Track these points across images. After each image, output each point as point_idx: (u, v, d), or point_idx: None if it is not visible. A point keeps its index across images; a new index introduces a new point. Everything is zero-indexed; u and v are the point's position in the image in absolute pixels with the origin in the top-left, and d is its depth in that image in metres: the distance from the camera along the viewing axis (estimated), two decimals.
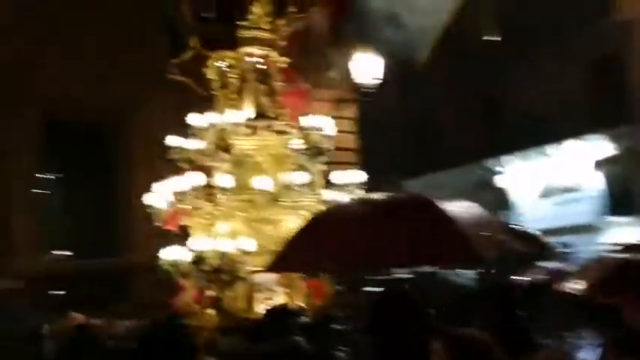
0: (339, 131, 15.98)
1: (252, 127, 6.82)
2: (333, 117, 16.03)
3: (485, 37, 23.76)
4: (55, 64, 9.81)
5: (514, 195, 23.99)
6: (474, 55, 23.12)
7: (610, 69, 21.23)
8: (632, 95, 20.64)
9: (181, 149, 6.81)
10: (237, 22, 6.92)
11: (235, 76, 7.01)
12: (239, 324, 6.01)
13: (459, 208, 3.59)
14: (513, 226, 5.27)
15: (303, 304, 6.68)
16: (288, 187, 6.57)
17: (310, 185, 6.95)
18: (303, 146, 6.92)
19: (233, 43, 6.65)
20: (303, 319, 5.47)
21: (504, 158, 23.81)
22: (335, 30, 7.39)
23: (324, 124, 6.95)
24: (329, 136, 6.95)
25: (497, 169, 24.20)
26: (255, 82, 7.02)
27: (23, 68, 9.54)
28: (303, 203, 6.81)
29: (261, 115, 7.00)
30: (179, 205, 6.42)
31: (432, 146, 26.31)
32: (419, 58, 7.81)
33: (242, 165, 6.81)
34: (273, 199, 6.51)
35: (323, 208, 6.85)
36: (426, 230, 3.45)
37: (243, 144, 6.85)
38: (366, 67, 16.58)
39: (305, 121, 6.96)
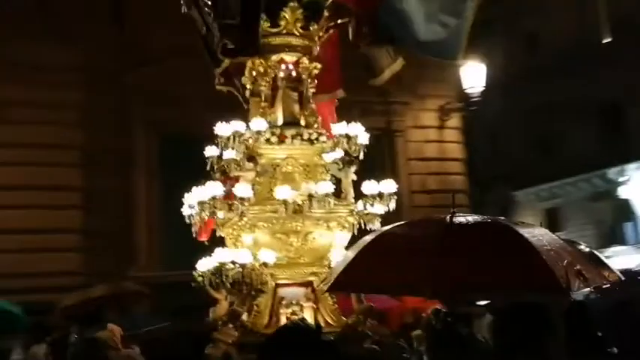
0: (445, 141, 15.80)
1: (281, 136, 6.62)
2: (439, 127, 15.97)
3: (605, 40, 22.35)
4: None
5: (635, 206, 22.30)
6: (594, 60, 21.82)
7: None
8: None
9: (216, 159, 6.74)
10: (266, 28, 6.76)
11: (265, 83, 6.85)
12: (258, 339, 5.81)
13: (535, 234, 3.42)
14: (595, 253, 4.70)
15: (329, 320, 6.38)
16: (317, 198, 6.30)
17: (341, 195, 6.66)
18: (335, 155, 6.63)
19: (258, 49, 6.48)
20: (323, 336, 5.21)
21: (627, 167, 22.26)
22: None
23: (357, 132, 6.63)
24: (362, 145, 6.61)
25: (620, 178, 22.64)
26: (287, 89, 6.82)
27: None
28: (333, 214, 6.54)
29: (291, 123, 6.79)
30: (203, 215, 6.31)
31: (545, 155, 25.01)
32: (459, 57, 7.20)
33: (270, 174, 6.62)
34: (300, 210, 6.25)
35: (354, 219, 6.55)
36: (506, 256, 3.32)
37: (271, 153, 6.67)
38: (472, 75, 16.09)
39: (338, 129, 6.67)
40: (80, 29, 12.60)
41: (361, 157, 6.59)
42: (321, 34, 7.01)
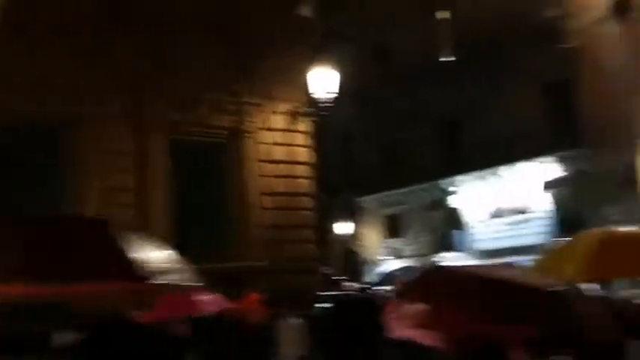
0: (294, 144, 16.08)
1: None
2: (289, 130, 16.24)
3: (444, 59, 23.79)
4: None
5: (466, 215, 23.88)
6: (439, 76, 23.10)
7: (563, 94, 21.39)
8: (582, 120, 20.73)
9: None
10: None
11: None
12: None
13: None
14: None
15: None
16: None
17: None
18: None
19: None
20: None
21: (460, 178, 23.79)
22: None
23: None
24: None
25: (452, 188, 24.15)
26: None
27: None
28: None
29: None
30: None
31: (391, 163, 26.18)
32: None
33: None
34: None
35: None
36: None
37: None
38: (323, 81, 16.48)
39: None
40: None
41: None
42: None
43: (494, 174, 22.70)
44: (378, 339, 3.40)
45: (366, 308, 3.68)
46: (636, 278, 6.49)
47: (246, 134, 15.77)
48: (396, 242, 26.64)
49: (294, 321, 8.00)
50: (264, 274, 12.95)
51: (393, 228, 26.91)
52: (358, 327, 3.37)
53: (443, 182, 24.27)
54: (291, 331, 7.61)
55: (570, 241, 4.76)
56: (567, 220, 21.38)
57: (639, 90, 20.70)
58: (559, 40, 20.87)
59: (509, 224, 21.59)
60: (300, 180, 16.15)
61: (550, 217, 21.70)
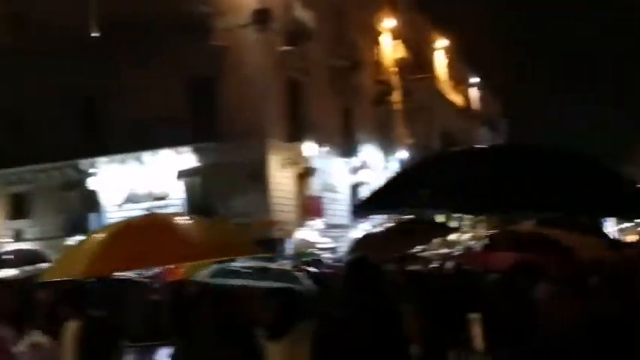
0: None
1: None
2: None
3: (92, 35, 23.09)
4: None
5: (103, 197, 23.56)
6: (77, 54, 22.20)
7: (206, 89, 22.54)
8: (221, 114, 22.19)
9: None
10: None
11: None
12: None
13: None
14: None
15: None
16: None
17: None
18: None
19: None
20: None
21: (99, 160, 23.30)
22: None
23: None
24: None
25: (90, 170, 23.55)
26: None
27: None
28: None
29: None
30: None
31: (18, 139, 24.28)
32: None
33: None
34: None
35: None
36: None
37: None
38: None
39: None
40: None
41: None
42: None
43: (134, 158, 22.81)
44: None
45: None
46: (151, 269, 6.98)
47: None
48: (19, 223, 24.87)
49: None
50: None
51: (19, 207, 25.10)
52: None
53: (80, 162, 23.55)
54: None
55: (84, 239, 4.73)
56: (198, 208, 22.57)
57: (272, 95, 22.97)
58: (208, 36, 21.94)
59: (145, 209, 21.86)
60: None
61: (183, 205, 22.62)
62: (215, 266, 5.81)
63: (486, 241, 7.78)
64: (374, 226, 13.87)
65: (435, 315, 6.34)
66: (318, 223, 23.42)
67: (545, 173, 3.18)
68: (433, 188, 3.28)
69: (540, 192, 3.06)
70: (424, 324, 5.96)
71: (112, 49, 21.92)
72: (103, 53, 22.09)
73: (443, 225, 9.59)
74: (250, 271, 5.69)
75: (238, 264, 5.91)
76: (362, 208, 4.06)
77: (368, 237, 9.54)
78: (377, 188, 4.06)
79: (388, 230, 9.09)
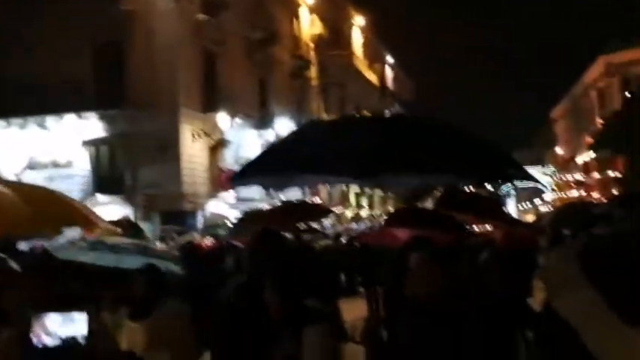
0: None
1: None
2: None
3: None
4: None
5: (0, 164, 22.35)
6: None
7: (113, 54, 21.64)
8: (129, 81, 21.39)
9: None
10: None
11: None
12: None
13: None
14: None
15: None
16: None
17: None
18: None
19: None
20: None
21: None
22: None
23: None
24: None
25: None
26: None
27: None
28: None
29: None
30: None
31: None
32: None
33: None
34: None
35: None
36: None
37: None
38: None
39: None
40: None
41: None
42: None
43: (35, 123, 21.68)
44: None
45: None
46: None
47: None
48: None
49: None
50: None
51: None
52: None
53: None
54: None
55: None
56: (105, 178, 21.80)
57: (185, 64, 22.31)
58: (115, 0, 20.98)
59: (47, 178, 20.86)
60: None
61: (88, 175, 21.77)
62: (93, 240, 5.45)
63: (385, 217, 7.88)
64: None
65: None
66: (229, 196, 23.07)
67: (423, 140, 3.41)
68: (314, 152, 3.27)
69: (417, 156, 3.24)
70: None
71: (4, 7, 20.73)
72: None
73: (323, 206, 10.04)
74: (129, 247, 5.42)
75: (122, 239, 5.64)
76: (241, 175, 3.88)
77: (255, 212, 9.89)
78: (258, 155, 4.05)
79: (275, 208, 9.37)
